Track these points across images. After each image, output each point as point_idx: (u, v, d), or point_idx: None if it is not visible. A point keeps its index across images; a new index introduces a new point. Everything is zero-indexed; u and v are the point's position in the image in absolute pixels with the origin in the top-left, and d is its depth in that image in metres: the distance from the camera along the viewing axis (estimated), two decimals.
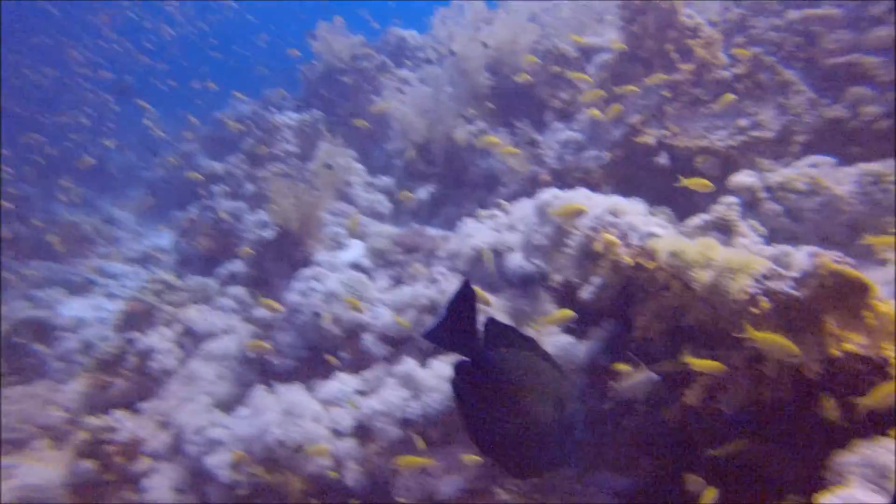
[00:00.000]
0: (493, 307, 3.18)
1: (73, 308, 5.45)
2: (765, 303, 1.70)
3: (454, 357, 3.06)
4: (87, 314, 5.34)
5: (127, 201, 8.30)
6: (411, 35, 7.51)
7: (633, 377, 2.42)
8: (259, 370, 3.95)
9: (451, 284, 3.22)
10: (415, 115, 5.17)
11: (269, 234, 4.77)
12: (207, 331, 4.38)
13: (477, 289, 3.25)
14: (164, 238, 6.92)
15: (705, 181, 3.09)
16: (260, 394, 3.56)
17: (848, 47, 4.56)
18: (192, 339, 4.45)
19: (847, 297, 1.60)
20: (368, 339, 3.47)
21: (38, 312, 5.09)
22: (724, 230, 2.94)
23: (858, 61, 4.32)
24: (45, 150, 8.29)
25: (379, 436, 3.13)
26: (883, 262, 2.92)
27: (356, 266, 4.05)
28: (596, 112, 3.93)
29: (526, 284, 3.28)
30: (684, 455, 2.35)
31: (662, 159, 3.67)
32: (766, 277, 1.74)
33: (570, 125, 4.34)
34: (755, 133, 3.59)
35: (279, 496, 3.20)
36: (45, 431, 3.73)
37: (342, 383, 3.43)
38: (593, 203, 2.65)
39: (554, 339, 3.04)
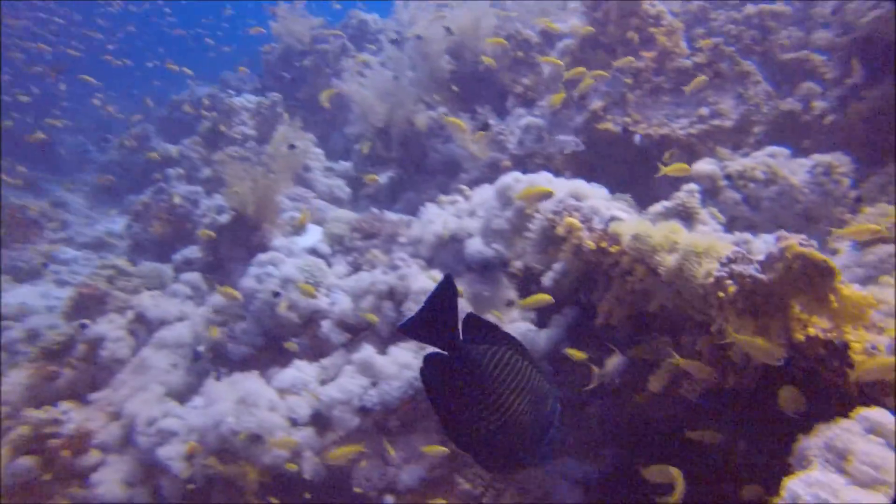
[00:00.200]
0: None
1: (18, 296, 5.16)
2: (731, 287, 1.64)
3: (414, 344, 2.88)
4: (34, 302, 5.06)
5: (78, 184, 7.90)
6: (373, 18, 7.32)
7: (608, 364, 2.36)
8: (214, 358, 3.78)
9: (412, 270, 3.11)
10: (375, 99, 5.02)
11: (225, 218, 4.57)
12: (161, 318, 4.18)
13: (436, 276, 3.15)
14: (117, 223, 6.62)
15: (684, 165, 3.04)
16: (214, 382, 3.40)
17: (798, 44, 4.62)
18: (144, 326, 4.24)
19: (813, 280, 1.54)
20: (326, 326, 3.34)
21: None
22: (685, 217, 2.89)
23: (808, 58, 4.38)
24: None
25: (337, 425, 3.01)
26: (834, 252, 2.93)
27: (314, 251, 3.91)
28: (556, 99, 3.83)
29: (486, 270, 3.19)
30: (647, 442, 2.30)
31: (636, 141, 3.60)
32: (731, 261, 1.68)
33: (531, 111, 4.25)
34: (715, 122, 3.57)
35: (234, 488, 3.06)
36: None
37: (299, 371, 3.30)
38: (555, 187, 2.56)
39: (514, 326, 2.96)
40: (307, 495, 2.93)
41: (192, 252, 4.91)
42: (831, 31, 4.63)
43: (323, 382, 3.25)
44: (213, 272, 4.63)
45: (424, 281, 3.07)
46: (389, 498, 2.78)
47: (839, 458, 1.52)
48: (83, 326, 3.93)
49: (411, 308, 3.04)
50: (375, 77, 5.18)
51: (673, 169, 3.02)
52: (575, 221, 2.28)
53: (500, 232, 2.66)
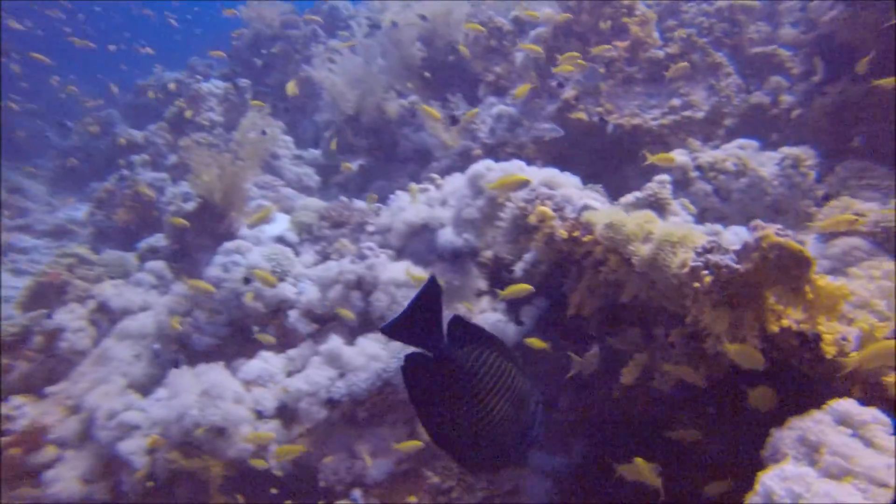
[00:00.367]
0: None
1: None
2: (707, 277, 1.58)
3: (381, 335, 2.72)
4: None
5: (37, 170, 7.55)
6: (345, 4, 7.15)
7: (588, 358, 2.30)
8: (179, 349, 3.64)
9: (380, 260, 3.01)
10: (345, 86, 4.88)
11: (191, 206, 4.40)
12: (124, 307, 4.02)
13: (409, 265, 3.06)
14: (79, 210, 6.36)
15: (670, 155, 2.98)
16: (178, 374, 3.26)
17: (767, 39, 4.63)
18: (107, 316, 4.07)
19: (789, 270, 1.49)
20: (293, 316, 3.23)
21: None
22: (656, 208, 2.84)
23: (775, 53, 4.38)
24: None
25: (304, 417, 2.91)
26: (800, 244, 2.91)
27: (281, 240, 3.78)
28: (521, 91, 3.73)
29: (457, 259, 3.10)
30: (619, 434, 2.25)
31: (609, 130, 3.54)
32: (707, 250, 1.62)
33: (503, 99, 4.16)
34: (687, 113, 3.52)
35: (198, 482, 2.94)
36: None
37: (265, 362, 3.18)
38: (528, 175, 2.48)
39: (484, 316, 2.89)
40: (273, 490, 2.83)
41: (158, 240, 4.74)
42: (797, 27, 4.65)
43: (290, 374, 3.15)
44: (179, 261, 4.48)
45: (394, 270, 2.98)
46: (357, 492, 2.69)
47: (811, 451, 1.48)
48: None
49: (380, 298, 2.94)
50: (346, 64, 5.03)
51: (658, 158, 2.96)
52: (547, 210, 2.21)
53: (471, 221, 2.58)
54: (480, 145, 4.03)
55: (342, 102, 4.93)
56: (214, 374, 3.18)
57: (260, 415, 3.04)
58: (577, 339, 2.53)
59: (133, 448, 2.97)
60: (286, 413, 3.02)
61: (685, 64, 3.57)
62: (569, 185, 2.43)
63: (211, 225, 4.31)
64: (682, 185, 3.16)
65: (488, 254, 3.10)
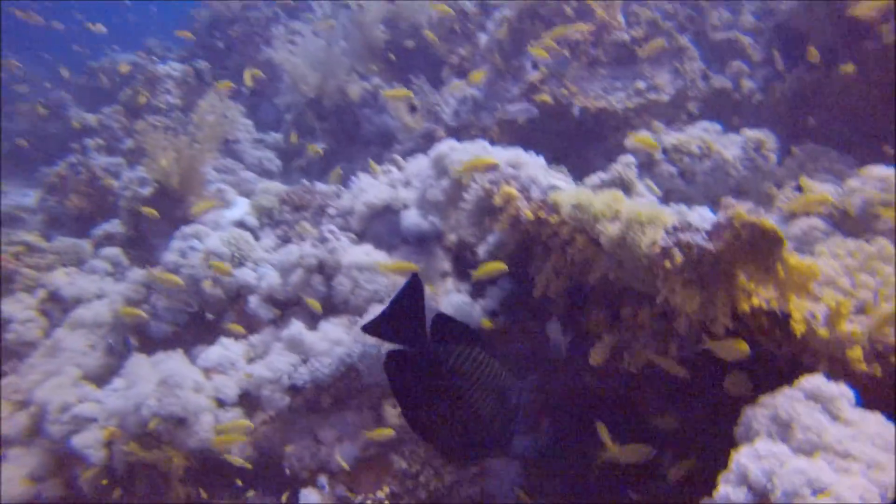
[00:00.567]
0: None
1: None
2: (678, 256, 1.52)
3: (346, 319, 2.67)
4: None
5: None
6: None
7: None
8: (135, 337, 3.47)
9: (342, 243, 2.89)
10: (306, 68, 4.70)
11: (147, 191, 4.20)
12: (77, 296, 3.81)
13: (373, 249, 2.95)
14: (29, 196, 6.02)
15: (653, 142, 2.92)
16: (135, 363, 3.10)
17: (729, 25, 4.63)
18: (59, 305, 3.86)
19: (761, 249, 1.44)
20: (254, 302, 3.09)
21: None
22: (621, 189, 2.78)
23: (737, 38, 4.38)
24: None
25: (266, 404, 2.79)
26: None
27: (241, 224, 3.62)
28: (476, 76, 3.62)
29: (421, 242, 3.01)
30: (586, 415, 2.20)
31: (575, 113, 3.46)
32: (677, 229, 1.56)
33: (467, 81, 4.05)
34: (652, 96, 3.47)
35: (158, 474, 2.80)
36: None
37: (226, 349, 3.05)
38: (492, 155, 2.39)
39: (449, 298, 2.81)
40: (239, 482, 2.70)
41: (114, 226, 4.52)
42: (757, 15, 4.66)
43: (251, 360, 3.02)
44: (136, 247, 4.28)
45: (356, 254, 2.86)
46: (323, 478, 2.59)
47: (784, 428, 1.44)
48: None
49: (342, 283, 2.83)
50: (307, 45, 4.86)
51: (642, 140, 2.90)
52: (512, 191, 2.12)
53: (435, 203, 2.48)
54: (444, 128, 3.93)
55: (303, 85, 4.76)
56: (173, 362, 3.03)
57: (221, 403, 2.91)
58: (544, 320, 2.47)
59: (88, 441, 2.81)
60: (248, 400, 2.89)
61: (661, 41, 3.51)
62: (534, 165, 2.35)
63: (168, 210, 4.13)
64: (646, 166, 3.11)
65: (452, 237, 3.02)
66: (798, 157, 3.62)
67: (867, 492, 1.21)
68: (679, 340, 1.74)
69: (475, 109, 3.86)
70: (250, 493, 2.64)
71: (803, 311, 1.59)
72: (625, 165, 2.99)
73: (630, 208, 1.73)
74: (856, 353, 1.54)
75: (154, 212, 3.93)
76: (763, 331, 1.62)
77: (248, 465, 2.68)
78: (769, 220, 1.44)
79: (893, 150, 3.55)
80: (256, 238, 3.57)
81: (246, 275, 3.30)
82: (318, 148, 4.54)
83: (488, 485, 2.37)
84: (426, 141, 3.99)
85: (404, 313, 1.24)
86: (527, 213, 2.09)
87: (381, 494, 2.39)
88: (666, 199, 3.13)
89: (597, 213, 1.79)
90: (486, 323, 2.36)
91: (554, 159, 3.42)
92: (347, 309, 2.89)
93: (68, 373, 3.22)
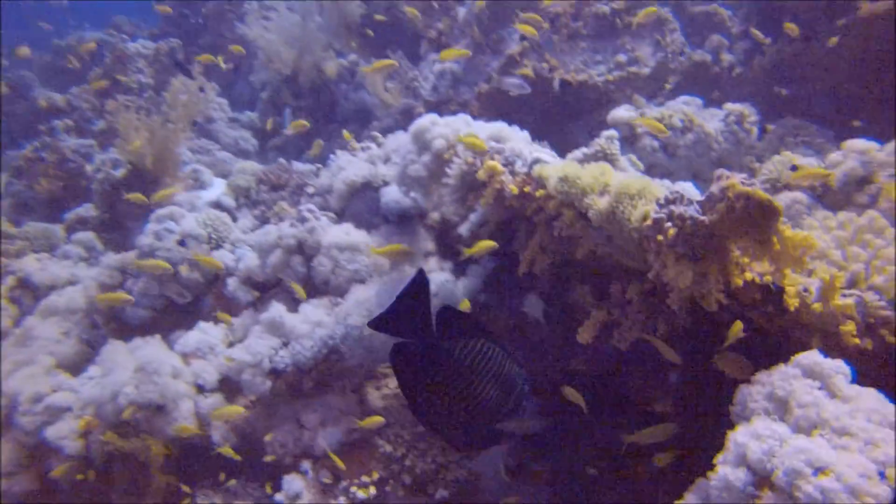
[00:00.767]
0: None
1: None
2: (671, 230, 1.44)
3: (327, 300, 2.56)
4: None
5: None
6: None
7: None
8: (110, 323, 3.34)
9: (321, 223, 2.77)
10: (281, 45, 4.52)
11: (120, 173, 4.03)
12: (49, 282, 3.65)
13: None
14: None
15: (659, 125, 2.82)
16: (111, 350, 2.97)
17: None
18: (30, 292, 3.69)
19: (757, 221, 1.36)
20: (232, 284, 2.97)
21: None
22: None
23: (716, 11, 4.30)
24: None
25: (247, 389, 2.69)
26: None
27: (218, 205, 3.48)
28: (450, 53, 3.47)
29: (403, 221, 2.90)
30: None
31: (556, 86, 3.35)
32: (670, 202, 1.48)
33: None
34: (633, 69, 3.38)
35: (137, 464, 2.69)
36: None
37: (204, 333, 2.93)
38: (475, 130, 2.29)
39: (432, 277, 2.72)
40: (221, 476, 2.61)
41: (87, 210, 4.34)
42: None
43: (231, 344, 2.91)
44: (110, 230, 4.12)
45: (336, 234, 2.75)
46: (306, 464, 2.51)
47: (781, 406, 1.38)
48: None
49: (322, 263, 2.72)
50: (282, 21, 4.67)
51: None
52: (496, 165, 2.03)
53: (417, 179, 2.38)
54: (423, 103, 3.80)
55: (278, 62, 4.58)
56: (150, 348, 2.91)
57: (201, 389, 2.80)
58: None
59: (63, 432, 2.69)
60: (228, 385, 2.79)
61: (653, 9, 3.40)
62: (518, 139, 2.25)
63: (143, 192, 3.96)
64: (629, 140, 3.03)
65: (435, 215, 2.92)
66: (778, 130, 3.57)
67: (866, 469, 1.16)
68: (669, 317, 1.67)
69: (454, 84, 3.74)
70: (232, 482, 2.55)
71: (797, 286, 1.53)
72: (607, 139, 2.90)
73: (619, 181, 1.64)
74: (849, 327, 1.48)
75: (142, 196, 3.75)
76: (755, 305, 1.56)
77: (237, 456, 2.58)
78: (763, 191, 1.36)
79: (863, 123, 3.53)
80: (234, 219, 3.44)
81: (223, 256, 3.18)
82: (305, 122, 4.37)
83: (476, 467, 2.31)
84: (405, 117, 3.86)
85: (410, 308, 1.23)
86: (511, 187, 1.99)
87: (366, 479, 2.32)
88: (648, 173, 3.06)
89: (585, 186, 1.70)
90: (465, 304, 2.28)
91: (534, 134, 3.32)
92: (328, 290, 2.79)
93: (41, 361, 3.08)
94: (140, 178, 3.97)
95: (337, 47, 4.59)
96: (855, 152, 2.76)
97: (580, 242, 1.83)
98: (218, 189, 3.73)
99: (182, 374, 2.80)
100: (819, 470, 1.14)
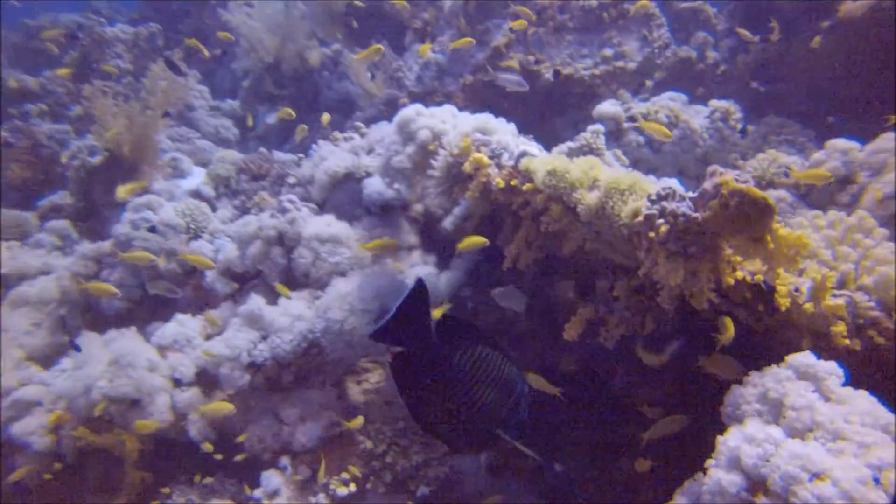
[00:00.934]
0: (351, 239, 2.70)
1: None
2: (663, 226, 1.38)
3: (308, 293, 2.48)
4: None
5: None
6: None
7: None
8: (84, 313, 3.22)
9: (302, 213, 2.68)
10: (264, 32, 4.39)
11: (97, 160, 3.89)
12: (19, 272, 3.50)
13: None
14: None
15: (664, 128, 2.76)
16: (85, 342, 2.86)
17: None
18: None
19: (751, 219, 1.31)
20: (210, 275, 2.87)
21: None
22: None
23: (702, 8, 4.26)
24: None
25: (225, 383, 2.60)
26: None
27: (197, 194, 3.37)
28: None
29: (386, 213, 2.82)
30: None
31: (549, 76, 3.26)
32: (662, 198, 1.42)
33: (431, 46, 3.83)
34: (619, 63, 3.31)
35: (112, 459, 2.59)
36: None
37: (181, 325, 2.83)
38: (460, 121, 2.21)
39: (414, 271, 2.65)
40: (197, 478, 2.51)
41: (62, 197, 4.18)
42: None
43: (208, 337, 2.81)
44: (86, 219, 3.97)
45: (317, 225, 2.66)
46: (285, 459, 2.43)
47: (774, 408, 1.34)
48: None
49: (303, 255, 2.63)
50: (265, 8, 4.53)
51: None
52: (483, 157, 1.96)
53: (401, 170, 2.29)
54: (407, 94, 3.71)
55: (261, 50, 4.45)
56: (125, 340, 2.80)
57: (177, 382, 2.70)
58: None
59: (30, 428, 2.58)
60: (206, 379, 2.69)
61: (647, 1, 3.33)
62: (504, 131, 2.18)
63: (120, 180, 3.83)
64: (614, 135, 2.97)
65: (419, 207, 2.84)
66: (761, 128, 3.55)
67: (862, 475, 1.11)
68: (656, 314, 1.62)
69: (439, 75, 3.65)
70: (209, 480, 2.46)
71: (787, 285, 1.48)
72: (593, 134, 2.85)
73: (609, 176, 1.58)
74: (840, 328, 1.44)
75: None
76: (746, 305, 1.51)
77: (220, 456, 2.49)
78: (757, 188, 1.31)
79: (837, 120, 3.52)
80: (213, 209, 3.33)
81: (202, 247, 3.08)
82: (291, 111, 4.25)
83: (457, 464, 2.25)
84: (389, 108, 3.77)
85: (410, 318, 1.25)
86: (498, 180, 1.92)
87: (346, 476, 2.25)
88: (633, 168, 3.01)
89: (573, 180, 1.64)
90: (438, 313, 2.22)
91: (519, 128, 3.26)
92: (308, 282, 2.70)
93: (10, 355, 2.95)
94: (117, 166, 3.83)
95: (320, 36, 4.47)
96: (838, 152, 2.74)
97: (568, 238, 1.76)
98: (197, 178, 3.60)
99: (158, 368, 2.70)
100: (815, 475, 1.09)
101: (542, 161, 1.78)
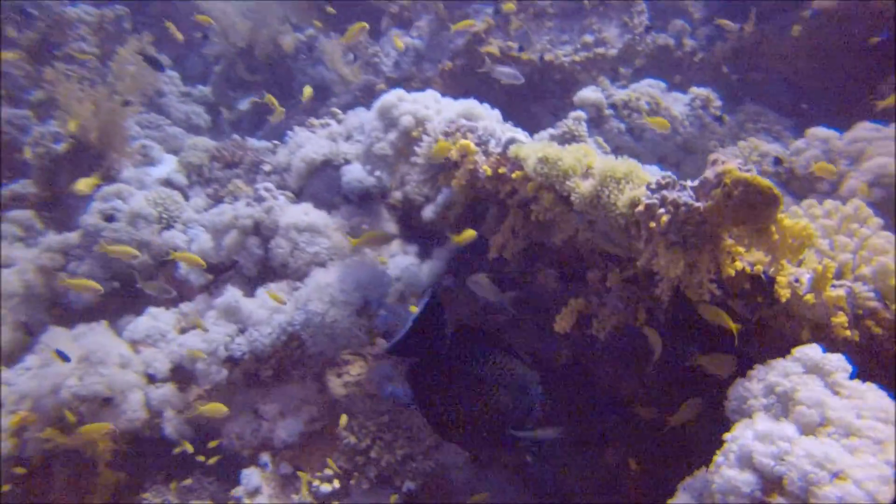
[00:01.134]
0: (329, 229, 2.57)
1: None
2: (664, 216, 1.29)
3: (286, 284, 2.37)
4: None
5: None
6: None
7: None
8: (51, 308, 3.03)
9: (279, 202, 2.54)
10: (237, 16, 4.19)
11: (62, 147, 3.66)
12: None
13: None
14: None
15: (665, 122, 2.68)
16: (52, 337, 2.68)
17: None
18: None
19: (756, 209, 1.23)
20: (184, 266, 2.71)
21: None
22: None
23: None
24: None
25: (202, 378, 2.46)
26: None
27: (168, 182, 3.19)
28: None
29: (365, 201, 2.70)
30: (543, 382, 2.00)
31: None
32: (661, 186, 1.33)
33: (408, 32, 3.69)
34: (600, 50, 3.22)
35: (83, 460, 2.43)
36: None
37: (154, 319, 2.67)
38: (443, 106, 2.09)
39: (395, 260, 2.54)
40: (174, 484, 2.38)
41: (24, 186, 3.94)
42: None
43: (183, 330, 2.66)
44: (51, 209, 3.75)
45: (294, 214, 2.53)
46: (266, 456, 2.31)
47: (783, 403, 1.26)
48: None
49: (280, 245, 2.49)
50: None
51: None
52: (470, 144, 1.85)
53: (383, 157, 2.17)
54: (384, 80, 3.57)
55: (233, 34, 4.25)
56: (96, 335, 2.64)
57: (151, 378, 2.55)
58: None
59: None
60: (181, 375, 2.55)
61: None
62: (489, 117, 2.07)
63: (87, 168, 3.62)
64: (595, 122, 2.89)
65: (398, 195, 2.72)
66: (738, 116, 3.51)
67: (882, 473, 1.05)
68: (649, 305, 1.54)
69: (417, 60, 3.52)
70: (188, 482, 2.32)
71: (787, 276, 1.41)
72: (574, 120, 2.76)
73: (604, 163, 1.49)
74: (841, 319, 1.38)
75: (95, 179, 3.38)
76: (744, 296, 1.44)
77: (203, 458, 2.35)
78: (763, 178, 1.23)
79: (811, 109, 3.50)
80: (185, 197, 3.16)
81: (175, 237, 2.91)
82: (274, 100, 4.06)
83: (443, 458, 2.16)
84: (365, 94, 3.63)
85: (427, 329, 1.26)
86: (485, 168, 1.82)
87: (328, 472, 2.14)
88: (615, 155, 2.93)
89: (566, 168, 1.54)
90: (413, 309, 2.13)
91: (500, 113, 3.15)
92: (287, 273, 2.57)
93: None
94: (84, 153, 3.62)
95: (294, 21, 4.28)
96: (818, 140, 2.70)
97: (560, 227, 1.67)
98: (168, 166, 3.42)
99: (131, 363, 2.54)
100: (834, 475, 1.03)
101: (532, 148, 1.68)
